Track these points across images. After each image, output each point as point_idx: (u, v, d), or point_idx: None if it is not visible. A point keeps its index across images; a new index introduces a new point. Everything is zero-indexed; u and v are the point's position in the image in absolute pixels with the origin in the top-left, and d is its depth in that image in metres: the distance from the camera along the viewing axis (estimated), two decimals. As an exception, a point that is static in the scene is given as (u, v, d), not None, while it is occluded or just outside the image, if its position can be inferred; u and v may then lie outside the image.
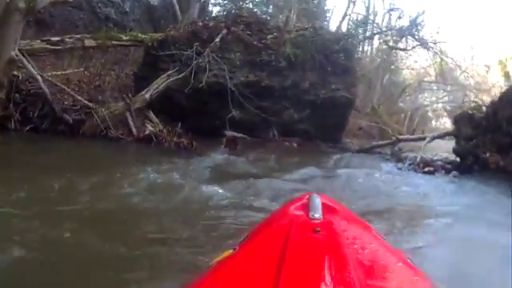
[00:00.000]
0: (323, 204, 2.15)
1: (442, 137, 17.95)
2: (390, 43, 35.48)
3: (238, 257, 1.95)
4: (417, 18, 32.01)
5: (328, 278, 1.41)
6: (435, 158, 15.27)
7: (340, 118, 20.59)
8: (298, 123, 19.62)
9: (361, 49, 37.89)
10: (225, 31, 18.54)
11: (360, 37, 31.09)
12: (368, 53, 40.37)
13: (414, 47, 34.23)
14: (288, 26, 20.55)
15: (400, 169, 14.14)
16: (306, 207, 2.14)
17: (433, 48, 33.20)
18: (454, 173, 13.33)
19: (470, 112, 14.59)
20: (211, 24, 19.60)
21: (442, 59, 35.23)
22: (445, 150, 15.95)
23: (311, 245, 1.74)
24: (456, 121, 15.38)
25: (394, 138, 18.06)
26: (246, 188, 8.04)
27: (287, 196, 6.79)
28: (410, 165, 14.45)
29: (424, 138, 16.84)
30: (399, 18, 35.27)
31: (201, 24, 19.77)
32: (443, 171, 13.84)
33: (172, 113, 16.23)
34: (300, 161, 13.09)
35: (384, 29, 35.12)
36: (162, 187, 7.52)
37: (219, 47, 18.19)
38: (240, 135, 15.96)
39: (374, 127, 30.35)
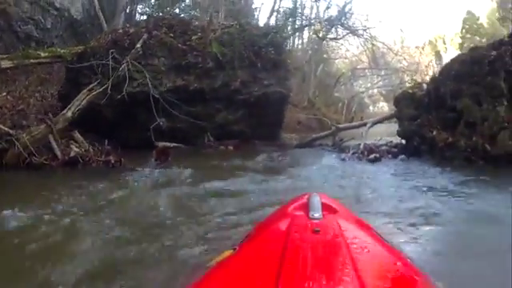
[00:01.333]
0: (323, 204, 2.24)
1: (383, 120, 17.05)
2: (320, 34, 35.15)
3: (238, 257, 1.97)
4: (344, 6, 32.16)
5: (328, 278, 1.42)
6: (380, 143, 14.35)
7: (276, 114, 19.51)
8: (234, 125, 18.55)
9: (291, 42, 37.24)
10: (146, 36, 17.41)
11: (289, 29, 30.11)
12: (299, 46, 39.53)
13: (344, 36, 34.55)
14: (212, 24, 19.59)
15: (344, 159, 13.18)
16: (306, 207, 2.22)
17: (363, 35, 33.44)
18: (402, 156, 12.50)
19: (410, 91, 13.74)
20: (132, 30, 18.41)
21: (373, 45, 35.38)
22: (389, 133, 15.04)
23: (311, 245, 1.75)
24: (397, 102, 14.46)
25: (333, 127, 17.00)
26: (164, 206, 6.94)
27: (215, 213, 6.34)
28: (353, 154, 13.45)
29: (365, 124, 15.84)
30: (327, 8, 34.99)
31: (121, 31, 18.59)
32: (390, 156, 12.93)
33: (100, 129, 14.97)
34: (234, 165, 12.03)
35: (313, 20, 34.65)
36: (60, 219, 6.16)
37: (142, 54, 17.01)
38: (174, 145, 15.26)
39: (312, 120, 29.84)
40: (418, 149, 12.57)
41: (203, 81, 17.83)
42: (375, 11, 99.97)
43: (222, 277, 1.79)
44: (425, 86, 13.89)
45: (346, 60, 47.94)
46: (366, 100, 57.68)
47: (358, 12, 49.75)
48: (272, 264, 1.58)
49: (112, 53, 16.01)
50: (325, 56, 43.16)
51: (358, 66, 46.00)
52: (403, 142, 13.82)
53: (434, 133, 11.93)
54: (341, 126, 17.93)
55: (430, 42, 50.05)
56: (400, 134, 13.66)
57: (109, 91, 15.03)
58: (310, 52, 38.20)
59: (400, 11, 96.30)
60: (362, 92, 53.99)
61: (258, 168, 11.42)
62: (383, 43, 37.15)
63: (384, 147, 13.99)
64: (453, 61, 12.71)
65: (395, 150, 13.52)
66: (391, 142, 14.69)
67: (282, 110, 20.13)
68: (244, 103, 18.49)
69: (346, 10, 32.28)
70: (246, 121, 18.65)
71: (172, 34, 18.18)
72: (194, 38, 18.34)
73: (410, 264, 2.02)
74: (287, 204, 2.56)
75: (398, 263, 1.90)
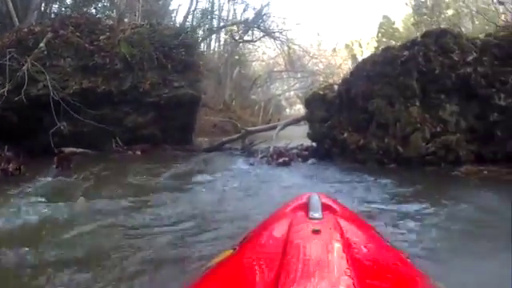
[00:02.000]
0: (323, 204, 2.17)
1: (294, 123, 16.41)
2: (237, 37, 34.66)
3: (238, 257, 1.93)
4: (261, 9, 31.70)
5: (328, 278, 1.37)
6: (290, 146, 13.67)
7: (187, 117, 18.44)
8: (144, 128, 17.42)
9: (207, 45, 36.82)
10: (50, 35, 16.19)
11: (203, 29, 29.32)
12: (216, 48, 38.68)
13: (259, 38, 34.17)
14: (122, 24, 18.72)
15: (252, 164, 12.39)
16: (306, 207, 2.14)
17: (279, 37, 33.04)
18: (312, 160, 11.84)
19: (321, 93, 13.11)
20: (37, 29, 17.02)
21: (289, 47, 34.84)
22: (304, 136, 14.22)
23: (311, 245, 1.66)
24: (308, 103, 13.86)
25: (243, 130, 16.16)
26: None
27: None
28: (262, 158, 12.73)
29: (275, 127, 15.08)
30: (244, 10, 34.46)
31: (26, 30, 17.11)
32: (300, 159, 12.24)
33: (2, 135, 13.42)
34: (138, 171, 11.12)
35: (229, 22, 34.35)
36: None
37: (47, 54, 15.81)
38: (80, 150, 14.39)
39: (228, 123, 28.55)
40: (329, 151, 12.05)
41: (111, 83, 16.70)
42: (293, 14, 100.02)
43: (221, 277, 1.75)
44: (336, 87, 13.35)
45: (263, 63, 47.47)
46: (283, 102, 57.26)
47: (275, 15, 49.24)
48: (272, 264, 1.55)
49: (10, 52, 14.69)
50: (240, 58, 42.27)
51: (275, 69, 45.41)
52: (314, 144, 13.11)
53: (346, 135, 11.46)
54: (250, 128, 17.11)
55: (347, 46, 50.19)
56: (311, 136, 13.05)
57: (5, 93, 13.77)
58: (226, 55, 37.08)
59: (318, 15, 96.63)
60: (279, 94, 53.61)
61: (159, 174, 10.50)
62: (299, 46, 36.93)
63: (294, 150, 13.41)
64: (364, 61, 12.24)
65: (306, 153, 12.94)
66: (302, 144, 14.00)
67: (193, 112, 19.07)
68: (154, 106, 17.43)
69: (263, 12, 31.88)
70: (157, 124, 17.63)
71: (79, 34, 16.96)
72: (102, 37, 17.20)
73: (410, 264, 1.97)
74: (287, 204, 2.44)
75: (398, 263, 1.88)
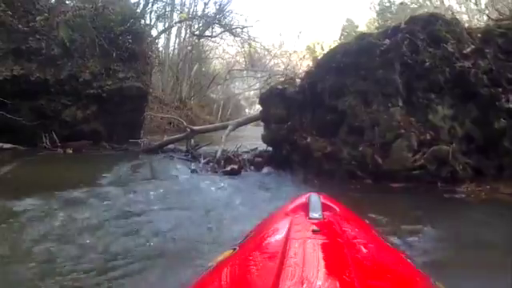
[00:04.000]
0: (323, 204, 2.13)
1: (247, 122, 13.60)
2: (197, 32, 32.75)
3: (239, 257, 1.85)
4: (224, 6, 30.46)
5: (328, 278, 1.34)
6: (243, 150, 10.85)
7: (133, 113, 15.85)
8: (84, 123, 14.90)
9: (166, 40, 34.02)
10: (-22, 14, 13.39)
11: (152, 16, 26.47)
12: (176, 44, 35.72)
13: (219, 34, 32.50)
14: (63, 4, 15.75)
15: (194, 171, 9.65)
16: (306, 207, 2.11)
17: (240, 34, 31.50)
18: (267, 169, 9.09)
19: (279, 87, 10.09)
20: (-38, 7, 14.19)
21: (250, 45, 33.34)
22: (259, 138, 11.36)
23: (311, 245, 1.64)
24: (263, 100, 10.91)
25: (188, 129, 12.95)
26: None
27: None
28: (207, 163, 9.82)
29: (226, 127, 12.11)
30: (205, 4, 32.45)
31: (-50, 8, 14.29)
32: (252, 168, 9.51)
33: None
34: (55, 174, 8.95)
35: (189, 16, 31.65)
36: None
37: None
38: (9, 146, 12.49)
39: (185, 121, 25.46)
40: (288, 159, 9.31)
41: (47, 70, 14.14)
42: (255, 13, 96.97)
43: (221, 277, 1.60)
44: (298, 81, 10.51)
45: (224, 61, 44.81)
46: (243, 102, 54.72)
47: (237, 12, 47.00)
48: (272, 264, 1.46)
49: None
50: (200, 55, 39.54)
51: (235, 67, 42.79)
52: (271, 149, 10.24)
53: (309, 139, 8.78)
54: (196, 127, 13.85)
55: (308, 48, 48.07)
56: (266, 139, 10.25)
57: None
58: (184, 50, 34.28)
59: (280, 16, 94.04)
60: (239, 94, 51.11)
61: (59, 185, 7.53)
62: (260, 44, 34.86)
63: (246, 156, 10.58)
64: (333, 51, 9.45)
65: (259, 159, 10.13)
66: (256, 149, 11.17)
67: (140, 107, 16.52)
68: (95, 99, 15.00)
69: (226, 9, 30.36)
70: (100, 119, 15.24)
71: (11, 13, 14.00)
72: (38, 18, 14.38)
73: (410, 264, 1.86)
74: (287, 204, 2.35)
75: (398, 263, 1.82)
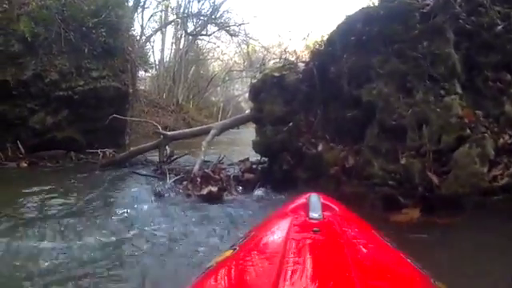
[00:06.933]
0: (323, 204, 2.00)
1: (236, 125, 10.22)
2: (189, 31, 30.66)
3: (238, 257, 1.68)
4: (217, 4, 28.74)
5: (328, 278, 1.24)
6: (230, 162, 7.69)
7: (115, 117, 12.34)
8: (56, 130, 11.97)
9: (161, 41, 31.81)
10: None
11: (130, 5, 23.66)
12: (173, 45, 33.49)
13: (214, 32, 31.13)
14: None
15: (159, 194, 6.33)
16: (306, 207, 1.97)
17: (237, 33, 30.11)
18: (260, 190, 5.94)
19: (276, 74, 6.77)
20: None
21: (248, 45, 31.52)
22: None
23: (311, 245, 1.54)
24: (254, 93, 7.43)
25: (162, 136, 9.47)
26: None
27: None
28: (179, 183, 6.61)
29: (209, 130, 8.73)
30: (198, 1, 30.09)
31: None
32: (239, 188, 6.42)
33: None
34: None
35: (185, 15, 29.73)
36: None
37: None
38: None
39: (182, 125, 23.90)
40: (290, 176, 6.11)
41: (7, 70, 11.30)
42: (254, 12, 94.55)
43: (221, 277, 1.49)
44: (301, 65, 7.15)
45: (222, 62, 42.10)
46: (243, 104, 51.56)
47: (233, 10, 45.20)
48: (272, 264, 1.35)
49: None
50: (198, 56, 37.29)
51: (234, 69, 40.27)
52: (267, 160, 7.10)
53: (321, 147, 5.66)
54: (171, 133, 10.29)
55: (307, 47, 45.44)
56: (258, 148, 7.01)
57: None
58: (180, 51, 31.78)
59: (280, 17, 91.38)
60: (239, 95, 48.39)
61: None
62: (258, 42, 32.70)
63: (232, 171, 7.34)
64: (351, 19, 6.09)
65: (250, 176, 6.85)
66: (247, 160, 7.90)
67: (121, 110, 13.15)
68: (66, 102, 12.03)
69: (221, 7, 28.72)
70: (75, 126, 12.31)
71: (-34, 4, 11.53)
72: (-4, 10, 11.88)
73: (410, 264, 1.66)
74: (287, 204, 2.20)
75: (398, 263, 1.64)
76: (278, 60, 8.89)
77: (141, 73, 27.12)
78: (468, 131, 4.41)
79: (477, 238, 3.88)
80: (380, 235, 2.01)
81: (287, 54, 8.23)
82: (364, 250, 1.65)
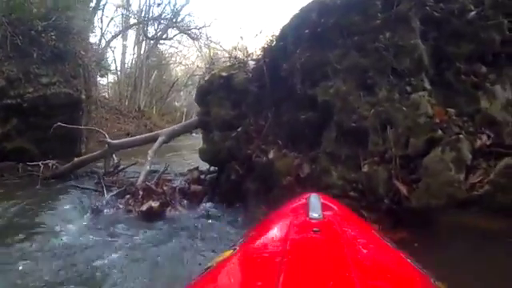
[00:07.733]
0: (323, 204, 1.99)
1: (184, 131, 9.42)
2: (150, 35, 29.89)
3: (238, 257, 1.69)
4: (179, 8, 28.36)
5: (328, 278, 1.21)
6: (177, 173, 6.96)
7: (68, 125, 11.49)
8: (5, 141, 11.18)
9: (122, 46, 31.24)
10: None
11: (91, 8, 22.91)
12: (135, 51, 32.60)
13: (174, 36, 30.42)
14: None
15: (98, 211, 5.58)
16: (306, 207, 1.94)
17: (198, 37, 29.28)
18: (207, 204, 5.26)
19: (224, 75, 6.10)
20: None
21: (209, 48, 29.99)
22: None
23: (311, 245, 1.55)
24: (200, 97, 6.74)
25: (106, 145, 8.60)
26: None
27: None
28: (119, 198, 5.85)
29: (157, 138, 7.93)
30: (158, 5, 29.27)
31: None
32: (185, 201, 5.70)
33: None
34: None
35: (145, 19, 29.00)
36: None
37: None
38: None
39: (143, 131, 22.22)
40: (239, 187, 5.43)
41: None
42: (216, 16, 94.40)
43: (221, 277, 1.49)
44: (252, 63, 6.36)
45: (184, 67, 40.91)
46: (209, 109, 51.35)
47: (194, 14, 44.57)
48: (272, 264, 1.33)
49: None
50: (160, 61, 36.39)
51: (196, 73, 39.53)
52: (215, 170, 6.38)
53: (272, 154, 4.96)
54: (116, 141, 9.27)
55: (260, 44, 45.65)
56: (204, 156, 6.30)
57: None
58: (141, 57, 31.20)
59: (241, 19, 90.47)
60: (203, 101, 47.24)
61: None
62: (219, 45, 30.93)
63: (178, 182, 6.62)
64: (305, 9, 5.36)
65: (197, 187, 6.09)
66: (196, 169, 7.16)
67: (74, 118, 12.37)
68: (15, 110, 11.22)
69: (182, 11, 28.72)
70: (26, 135, 11.49)
71: None
72: None
73: (410, 264, 1.64)
74: (287, 204, 2.23)
75: (398, 263, 1.62)
76: (227, 59, 8.16)
77: (103, 79, 26.49)
78: (440, 132, 3.74)
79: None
80: (380, 235, 1.99)
81: (237, 52, 7.51)
82: (364, 250, 1.61)
